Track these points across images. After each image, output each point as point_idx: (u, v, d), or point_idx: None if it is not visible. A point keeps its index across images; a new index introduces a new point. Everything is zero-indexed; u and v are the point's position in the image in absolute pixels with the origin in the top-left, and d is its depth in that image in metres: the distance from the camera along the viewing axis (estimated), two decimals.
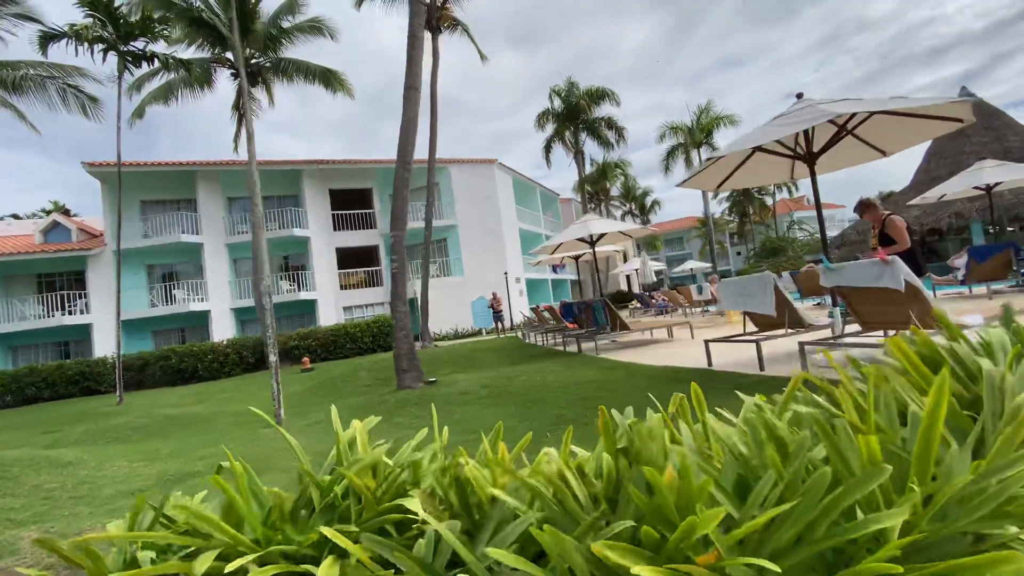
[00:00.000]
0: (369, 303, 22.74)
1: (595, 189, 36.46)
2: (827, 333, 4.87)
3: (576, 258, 10.27)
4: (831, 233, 38.72)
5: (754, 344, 4.83)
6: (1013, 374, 1.83)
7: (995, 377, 1.72)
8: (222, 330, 19.57)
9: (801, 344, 4.16)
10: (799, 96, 4.66)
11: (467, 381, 6.23)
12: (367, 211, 23.37)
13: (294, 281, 21.30)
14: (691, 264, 31.46)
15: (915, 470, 1.31)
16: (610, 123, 31.67)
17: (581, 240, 9.15)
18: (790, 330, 5.04)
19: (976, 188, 9.12)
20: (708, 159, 4.48)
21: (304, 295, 20.42)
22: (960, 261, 8.46)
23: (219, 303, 20.06)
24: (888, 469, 1.05)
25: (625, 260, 31.46)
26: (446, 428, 1.97)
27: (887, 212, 4.90)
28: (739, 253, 48.86)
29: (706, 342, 5.49)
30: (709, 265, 31.47)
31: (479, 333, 21.45)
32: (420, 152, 19.00)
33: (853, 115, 4.44)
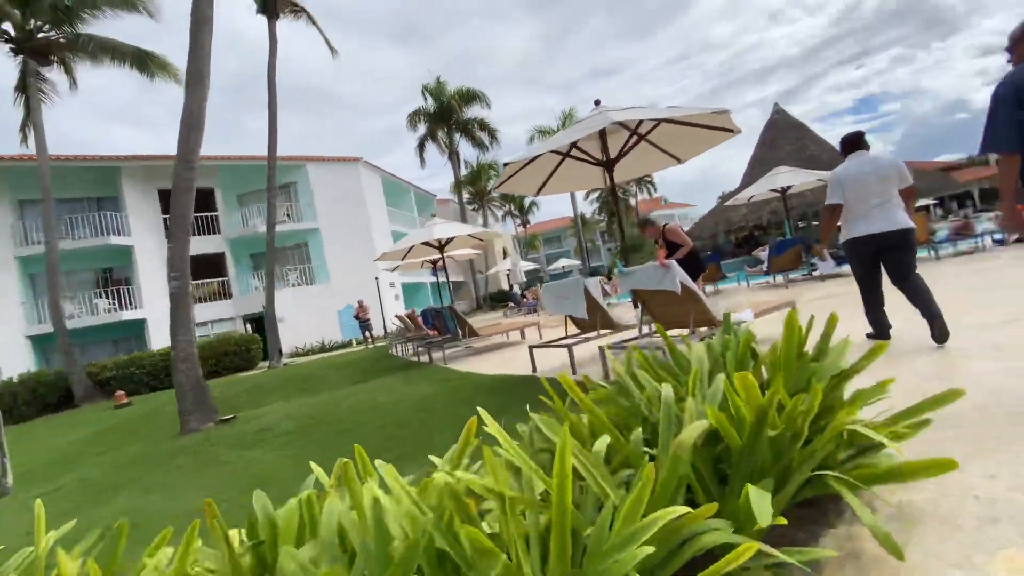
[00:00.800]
0: (219, 318, 20.18)
1: (475, 190, 36.49)
2: (635, 333, 5.05)
3: (433, 262, 9.90)
4: (686, 228, 43.19)
5: (579, 346, 4.87)
6: (695, 397, 1.81)
7: (670, 406, 1.66)
8: (15, 362, 15.90)
9: (601, 348, 4.20)
10: (596, 103, 4.76)
11: (276, 413, 5.51)
12: (209, 214, 20.69)
13: (115, 298, 18.04)
14: (564, 262, 32.92)
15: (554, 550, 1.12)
16: (483, 125, 31.87)
17: (428, 244, 8.79)
18: (603, 331, 5.16)
19: (773, 191, 10.53)
20: (507, 163, 4.39)
21: (128, 315, 17.42)
22: (763, 254, 9.68)
23: (8, 329, 16.30)
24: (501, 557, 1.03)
25: (505, 257, 31.90)
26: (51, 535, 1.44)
27: (664, 224, 5.31)
28: (610, 249, 52.48)
29: (530, 348, 5.44)
30: (580, 263, 33.12)
31: (349, 344, 20.15)
32: (281, 148, 17.25)
33: (641, 122, 4.63)
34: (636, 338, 4.60)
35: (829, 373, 1.69)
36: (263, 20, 15.18)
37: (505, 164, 4.42)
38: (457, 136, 32.56)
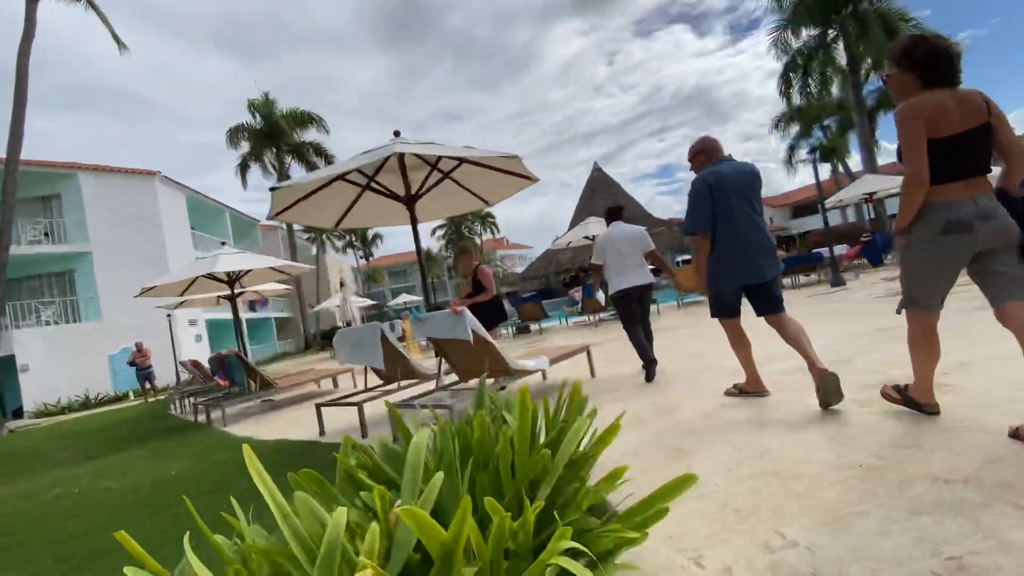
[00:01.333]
0: None
1: None
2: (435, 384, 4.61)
3: (229, 298, 8.30)
4: (520, 270, 45.65)
5: (378, 403, 4.21)
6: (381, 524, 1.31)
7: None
8: None
9: (388, 405, 3.64)
10: (396, 133, 4.38)
11: None
12: None
13: None
14: (405, 297, 31.90)
15: None
16: (319, 150, 29.85)
17: (214, 278, 7.34)
18: (403, 383, 4.63)
19: (585, 238, 11.48)
20: (274, 188, 3.72)
21: None
22: (578, 295, 10.38)
23: None
24: None
25: (342, 286, 29.57)
26: None
27: (476, 263, 5.14)
28: (458, 285, 52.67)
29: (317, 407, 4.63)
30: (421, 298, 32.38)
31: (125, 397, 16.23)
32: (30, 151, 13.33)
33: (439, 159, 4.38)
34: (432, 391, 4.16)
35: (560, 467, 1.39)
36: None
37: (272, 189, 3.71)
38: (289, 159, 30.01)
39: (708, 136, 3.20)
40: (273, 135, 28.45)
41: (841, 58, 18.50)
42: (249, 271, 7.60)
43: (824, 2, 17.21)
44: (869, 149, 19.34)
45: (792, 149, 30.37)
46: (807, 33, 18.38)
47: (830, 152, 29.74)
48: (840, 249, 11.01)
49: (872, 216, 18.77)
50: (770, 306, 2.91)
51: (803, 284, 10.60)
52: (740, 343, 3.08)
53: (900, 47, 2.07)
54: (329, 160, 29.78)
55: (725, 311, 3.05)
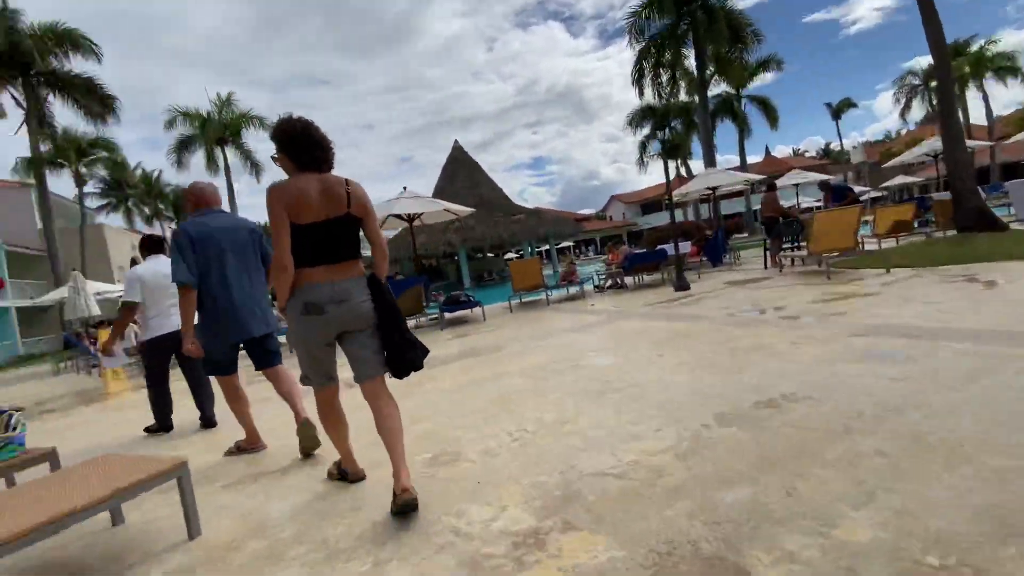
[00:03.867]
0: None
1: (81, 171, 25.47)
2: None
3: None
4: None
5: None
6: None
7: None
8: None
9: None
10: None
11: None
12: None
13: None
14: None
15: None
16: (90, 87, 22.62)
17: None
18: None
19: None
20: None
21: None
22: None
23: None
24: None
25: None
26: None
27: None
28: None
29: None
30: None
31: None
32: None
33: None
34: None
35: None
36: None
37: None
38: (46, 92, 22.41)
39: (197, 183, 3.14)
40: (21, 56, 20.64)
41: (689, 56, 18.54)
42: None
43: None
44: (711, 148, 19.78)
45: (644, 146, 31.28)
46: (660, 22, 17.98)
47: (675, 150, 31.22)
48: (685, 247, 9.98)
49: (711, 215, 19.29)
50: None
51: (647, 284, 9.36)
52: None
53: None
54: (107, 103, 22.77)
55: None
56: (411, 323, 8.27)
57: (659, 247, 10.70)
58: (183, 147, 25.15)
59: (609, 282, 10.14)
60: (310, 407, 2.54)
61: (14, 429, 2.91)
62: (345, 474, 2.35)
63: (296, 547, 1.80)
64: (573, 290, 10.12)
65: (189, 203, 3.05)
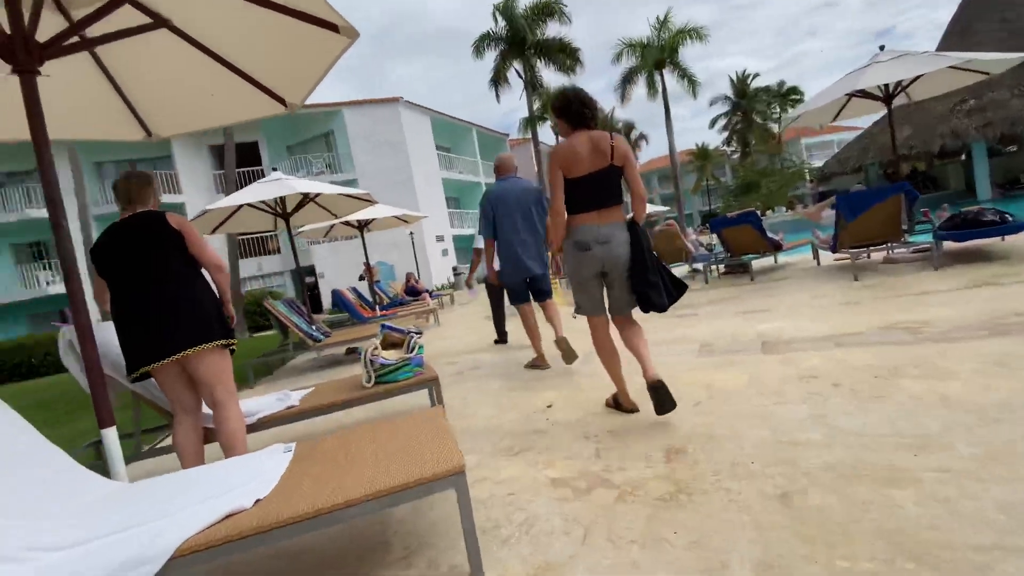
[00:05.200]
0: (265, 273, 20.49)
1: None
2: None
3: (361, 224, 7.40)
4: (818, 162, 33.61)
5: None
6: None
7: None
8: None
9: None
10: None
11: None
12: (254, 168, 20.52)
13: None
14: (653, 208, 27.80)
15: None
16: (563, 46, 27.05)
17: (262, 208, 6.19)
18: None
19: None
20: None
21: None
22: (826, 217, 5.32)
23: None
24: None
25: None
26: None
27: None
28: (731, 190, 42.29)
29: None
30: (666, 208, 27.85)
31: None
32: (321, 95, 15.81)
33: None
34: None
35: None
36: None
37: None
38: (538, 62, 28.26)
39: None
40: (518, 37, 26.83)
41: None
42: (311, 197, 6.27)
43: None
44: None
45: None
46: None
47: None
48: None
49: None
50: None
51: None
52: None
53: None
54: (574, 55, 26.78)
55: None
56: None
57: None
58: (627, 80, 26.99)
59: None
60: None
61: (412, 351, 3.06)
62: (619, 404, 2.65)
63: None
64: None
65: (496, 171, 4.04)
